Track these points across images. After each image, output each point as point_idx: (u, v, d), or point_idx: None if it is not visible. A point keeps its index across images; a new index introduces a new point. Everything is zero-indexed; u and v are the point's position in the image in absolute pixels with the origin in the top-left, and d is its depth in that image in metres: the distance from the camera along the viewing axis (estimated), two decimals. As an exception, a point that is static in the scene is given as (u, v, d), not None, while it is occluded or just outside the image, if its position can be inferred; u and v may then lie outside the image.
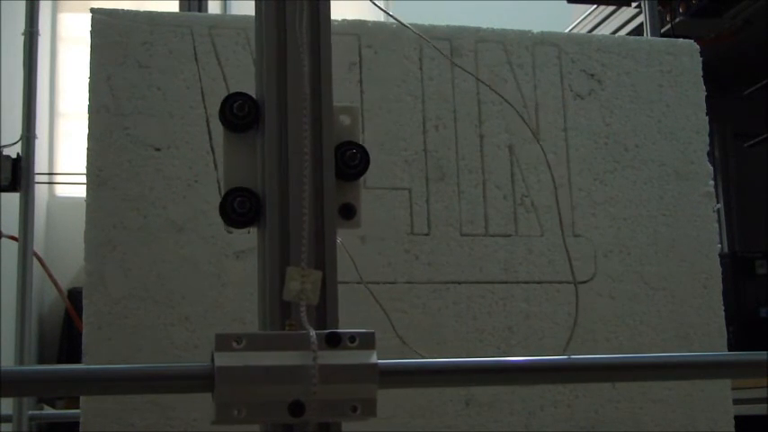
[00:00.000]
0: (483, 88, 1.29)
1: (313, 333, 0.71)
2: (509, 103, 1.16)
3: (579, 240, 1.28)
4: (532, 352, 1.23)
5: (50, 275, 2.33)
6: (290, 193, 0.75)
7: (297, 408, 0.70)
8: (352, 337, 0.73)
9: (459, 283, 1.24)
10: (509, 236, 1.27)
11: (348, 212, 0.79)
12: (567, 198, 1.29)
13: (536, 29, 1.35)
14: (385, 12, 1.09)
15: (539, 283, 1.26)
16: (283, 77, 0.77)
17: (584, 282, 1.28)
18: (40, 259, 2.16)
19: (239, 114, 0.78)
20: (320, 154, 0.76)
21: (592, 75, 1.34)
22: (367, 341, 0.73)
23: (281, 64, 0.77)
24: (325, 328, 0.74)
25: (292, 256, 0.74)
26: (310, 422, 0.70)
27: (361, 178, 0.81)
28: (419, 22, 1.31)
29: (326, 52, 0.79)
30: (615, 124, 1.33)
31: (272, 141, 0.76)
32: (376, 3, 0.98)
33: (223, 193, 0.78)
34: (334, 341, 0.72)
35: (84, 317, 1.14)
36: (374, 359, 0.72)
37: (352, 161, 0.78)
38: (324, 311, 0.75)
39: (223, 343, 0.72)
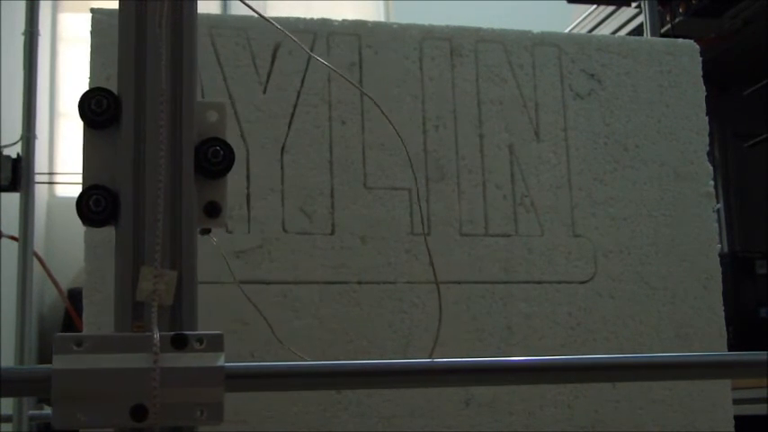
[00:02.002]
0: (483, 88, 1.30)
1: (156, 335, 0.69)
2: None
3: (579, 240, 1.28)
4: (532, 352, 1.23)
5: (50, 275, 2.33)
6: (146, 192, 0.73)
7: (139, 412, 0.68)
8: (200, 339, 0.71)
9: (459, 283, 1.24)
10: (509, 236, 1.27)
11: (213, 211, 0.77)
12: (567, 198, 1.29)
13: (536, 29, 1.35)
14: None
15: (538, 283, 1.26)
16: (142, 73, 0.76)
17: (585, 282, 1.28)
18: (40, 259, 2.16)
19: (97, 110, 0.76)
20: (179, 151, 0.74)
21: (592, 75, 1.34)
22: (215, 343, 0.71)
23: (140, 59, 0.76)
24: (181, 330, 0.72)
25: (147, 256, 0.72)
26: (154, 426, 0.68)
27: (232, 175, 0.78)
28: (419, 22, 1.31)
29: (190, 47, 0.77)
30: (615, 124, 1.33)
31: (128, 138, 0.74)
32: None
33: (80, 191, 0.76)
34: (180, 343, 0.70)
35: (84, 317, 1.14)
36: (220, 362, 0.71)
37: (215, 158, 0.76)
38: (179, 313, 0.73)
39: (62, 345, 0.69)
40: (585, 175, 1.31)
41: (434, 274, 1.01)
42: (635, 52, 1.36)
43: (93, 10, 1.22)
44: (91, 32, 1.21)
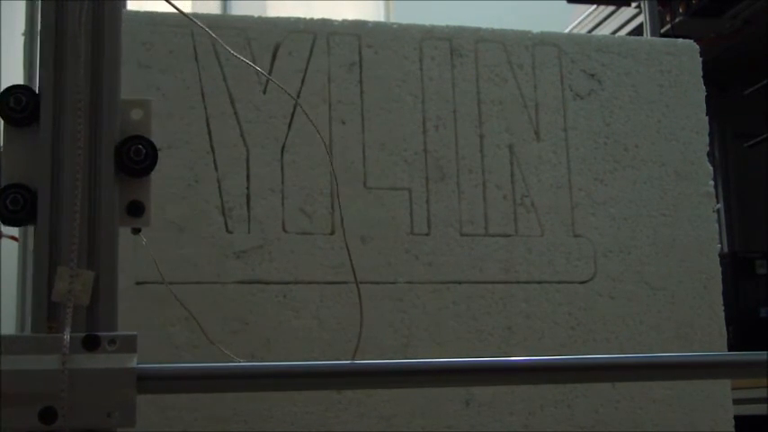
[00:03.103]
0: (483, 88, 1.30)
1: (67, 336, 0.68)
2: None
3: (579, 240, 1.28)
4: (532, 352, 1.23)
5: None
6: (62, 191, 0.72)
7: (48, 414, 0.67)
8: (113, 341, 0.70)
9: (460, 283, 1.24)
10: (509, 236, 1.27)
11: (136, 210, 0.76)
12: (567, 198, 1.29)
13: (536, 29, 1.35)
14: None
15: (538, 283, 1.26)
16: (61, 71, 0.74)
17: (584, 282, 1.28)
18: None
19: (16, 108, 0.74)
20: (98, 149, 0.74)
21: (592, 75, 1.34)
22: (128, 344, 0.70)
23: (60, 56, 0.74)
24: (97, 331, 0.71)
25: (63, 256, 0.71)
26: (63, 429, 0.67)
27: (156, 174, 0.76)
28: (419, 22, 1.31)
29: (112, 45, 0.75)
30: (615, 124, 1.33)
31: (46, 136, 0.74)
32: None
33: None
34: (91, 344, 0.69)
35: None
36: (132, 363, 0.70)
37: (136, 156, 0.75)
38: (96, 313, 0.72)
39: None
40: (585, 175, 1.31)
41: (354, 273, 1.00)
42: (635, 52, 1.36)
43: (93, 10, 1.22)
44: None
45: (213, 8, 3.96)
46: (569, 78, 1.33)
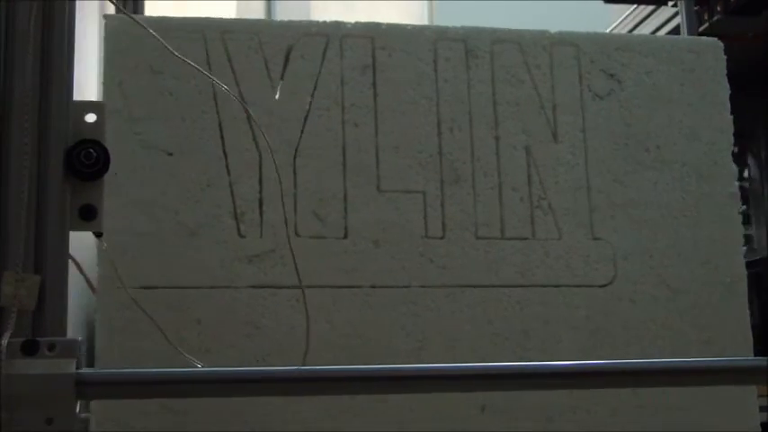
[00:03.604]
0: (499, 89, 1.28)
1: (5, 341, 0.68)
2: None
3: (598, 243, 1.26)
4: (549, 357, 1.21)
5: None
6: (9, 195, 0.72)
7: None
8: (52, 346, 0.69)
9: (474, 286, 1.22)
10: (525, 239, 1.25)
11: (88, 214, 0.76)
12: (585, 200, 1.27)
13: (578, 29, 1.32)
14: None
15: (556, 286, 1.24)
16: (9, 73, 0.74)
17: (604, 285, 1.25)
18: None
19: None
20: (46, 153, 0.73)
21: (611, 74, 1.31)
22: (68, 349, 0.70)
23: (9, 59, 0.74)
24: (44, 336, 0.71)
25: (10, 260, 0.71)
26: None
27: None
28: (463, 22, 1.29)
29: (62, 46, 0.75)
30: (636, 125, 1.30)
31: None
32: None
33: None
34: (30, 350, 0.69)
35: (96, 322, 1.14)
36: (71, 369, 0.69)
37: (87, 160, 0.75)
38: (42, 318, 0.72)
39: None
40: (605, 177, 1.28)
41: (298, 278, 0.99)
42: (656, 51, 1.33)
43: (105, 17, 1.23)
44: (104, 39, 1.21)
45: (258, 8, 3.94)
46: (588, 78, 1.31)
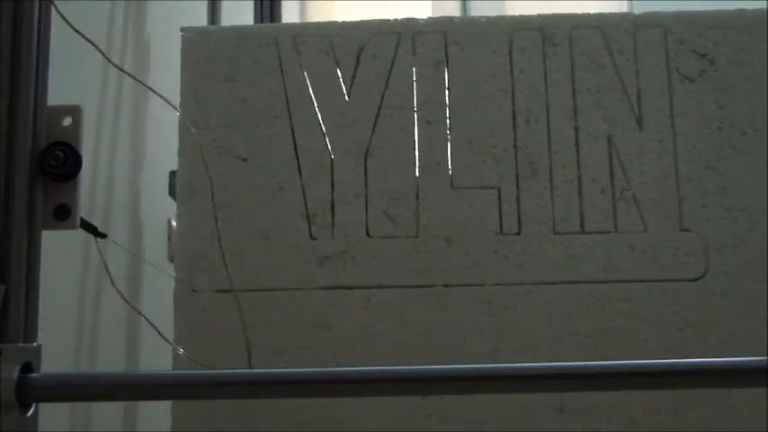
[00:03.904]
0: (578, 77, 1.23)
1: None
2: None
3: (688, 235, 1.19)
4: (633, 356, 1.15)
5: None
6: None
7: None
8: None
9: (553, 283, 1.18)
10: (607, 232, 1.19)
11: (62, 213, 0.78)
12: (673, 190, 1.20)
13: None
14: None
15: (641, 281, 1.18)
16: None
17: (695, 279, 1.18)
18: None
19: None
20: (16, 156, 0.75)
21: (703, 55, 1.23)
22: (13, 355, 0.71)
23: None
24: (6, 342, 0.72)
25: None
26: None
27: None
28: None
29: (28, 51, 0.76)
30: (730, 107, 1.22)
31: None
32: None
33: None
34: None
35: (174, 325, 1.18)
36: (13, 374, 0.71)
37: (55, 161, 0.78)
38: (6, 326, 0.73)
39: None
40: (695, 164, 1.20)
41: (230, 280, 0.96)
42: (753, 26, 1.24)
43: (183, 29, 1.27)
44: (181, 51, 1.25)
45: (453, 8, 3.89)
46: (677, 60, 1.23)
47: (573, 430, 1.15)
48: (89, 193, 1.18)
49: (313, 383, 0.83)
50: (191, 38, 1.25)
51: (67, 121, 0.80)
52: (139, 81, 0.86)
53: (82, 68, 1.19)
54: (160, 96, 0.91)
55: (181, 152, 1.23)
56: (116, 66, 0.84)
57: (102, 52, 0.83)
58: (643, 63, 1.23)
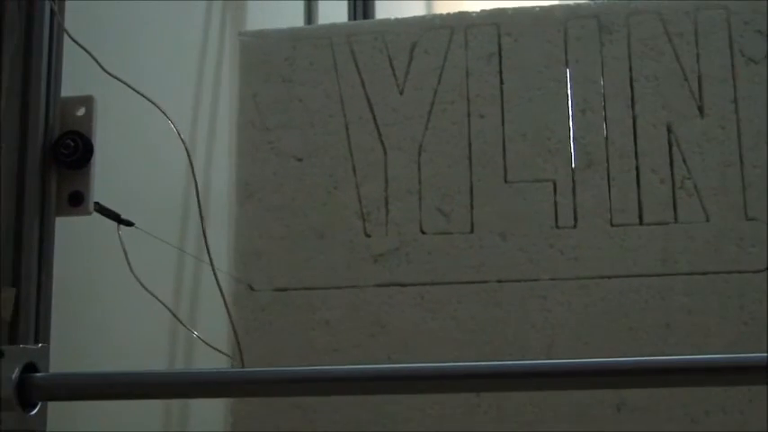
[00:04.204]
0: (636, 65, 1.19)
1: None
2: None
3: (753, 224, 1.14)
4: (696, 351, 1.11)
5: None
6: None
7: None
8: (0, 353, 0.73)
9: (610, 277, 1.15)
10: (667, 223, 1.15)
11: (76, 200, 0.81)
12: (737, 177, 1.15)
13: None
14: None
15: (703, 274, 1.13)
16: None
17: (761, 270, 1.13)
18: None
19: None
20: (29, 145, 0.78)
21: (769, 35, 1.18)
22: (15, 356, 0.73)
23: None
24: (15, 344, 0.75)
25: None
26: None
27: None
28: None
29: (40, 45, 0.79)
30: (799, 88, 1.16)
31: None
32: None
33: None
34: None
35: (233, 323, 1.21)
36: (13, 374, 0.73)
37: (66, 150, 0.81)
38: (17, 327, 0.76)
39: None
40: (761, 150, 1.15)
41: (214, 274, 0.95)
42: (824, 2, 1.17)
43: (240, 33, 1.29)
44: (240, 54, 1.28)
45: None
46: (740, 42, 1.18)
47: (631, 429, 1.12)
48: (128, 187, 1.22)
49: (364, 381, 0.84)
50: (248, 42, 1.27)
51: (81, 111, 0.83)
52: (133, 89, 0.88)
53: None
54: (154, 104, 0.93)
55: (238, 153, 1.25)
56: (110, 73, 0.87)
57: (94, 58, 0.85)
58: (704, 47, 1.18)
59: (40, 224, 0.79)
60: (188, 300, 1.31)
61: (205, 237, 1.14)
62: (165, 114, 0.91)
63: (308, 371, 0.85)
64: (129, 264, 0.88)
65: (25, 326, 0.77)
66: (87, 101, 0.84)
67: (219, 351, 1.09)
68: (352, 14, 2.24)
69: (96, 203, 0.85)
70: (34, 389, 0.75)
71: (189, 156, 1.00)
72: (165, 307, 0.98)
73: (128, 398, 0.86)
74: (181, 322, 1.06)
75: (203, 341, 1.04)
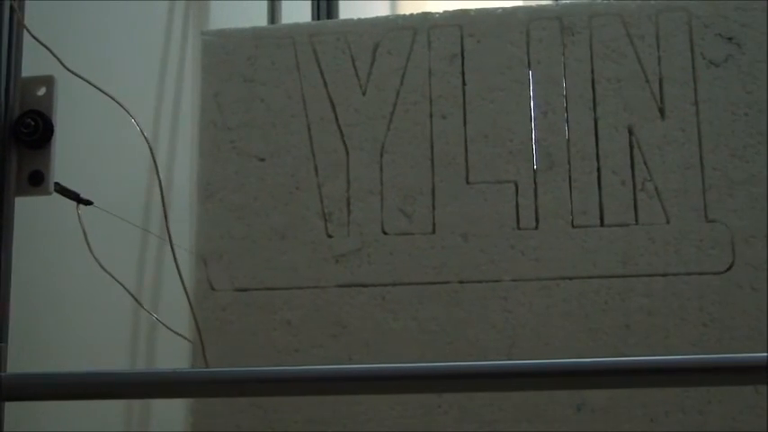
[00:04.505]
0: (598, 67, 1.19)
1: None
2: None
3: (713, 226, 1.14)
4: (655, 352, 1.11)
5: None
6: None
7: None
8: None
9: (571, 278, 1.15)
10: (628, 225, 1.15)
11: (36, 179, 0.81)
12: (697, 179, 1.15)
13: None
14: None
15: (663, 275, 1.14)
16: None
17: (721, 272, 1.13)
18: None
19: None
20: None
21: (729, 38, 1.18)
22: None
23: None
24: None
25: None
26: None
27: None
28: None
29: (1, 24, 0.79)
30: (758, 91, 1.16)
31: None
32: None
33: None
34: None
35: (194, 324, 1.20)
36: None
37: (26, 129, 0.81)
38: None
39: None
40: (721, 152, 1.16)
41: (179, 272, 0.96)
42: (783, 6, 1.18)
43: (203, 32, 1.29)
44: (202, 53, 1.27)
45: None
46: (701, 45, 1.19)
47: (591, 429, 1.12)
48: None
49: (325, 381, 0.84)
50: (210, 41, 1.27)
51: (42, 91, 0.83)
52: (97, 87, 0.88)
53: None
54: (119, 104, 0.93)
55: (200, 153, 1.24)
56: (70, 70, 0.86)
57: (53, 53, 0.84)
58: (665, 49, 1.19)
59: (1, 203, 0.78)
60: (149, 300, 1.30)
61: (170, 236, 1.13)
62: (131, 115, 0.90)
63: (270, 371, 0.85)
64: (88, 245, 0.87)
65: None
66: (48, 81, 0.83)
67: (181, 335, 1.08)
68: (316, 14, 2.23)
69: (56, 183, 0.84)
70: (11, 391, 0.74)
71: (153, 155, 0.99)
72: (126, 290, 0.97)
73: (90, 398, 0.85)
74: (140, 304, 1.05)
75: (165, 326, 1.03)
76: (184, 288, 1.13)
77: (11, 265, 0.79)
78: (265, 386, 0.85)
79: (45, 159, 0.82)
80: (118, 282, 0.94)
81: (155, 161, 1.07)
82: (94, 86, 0.91)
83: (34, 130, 0.81)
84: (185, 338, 1.14)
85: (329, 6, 2.20)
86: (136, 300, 1.06)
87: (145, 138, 1.00)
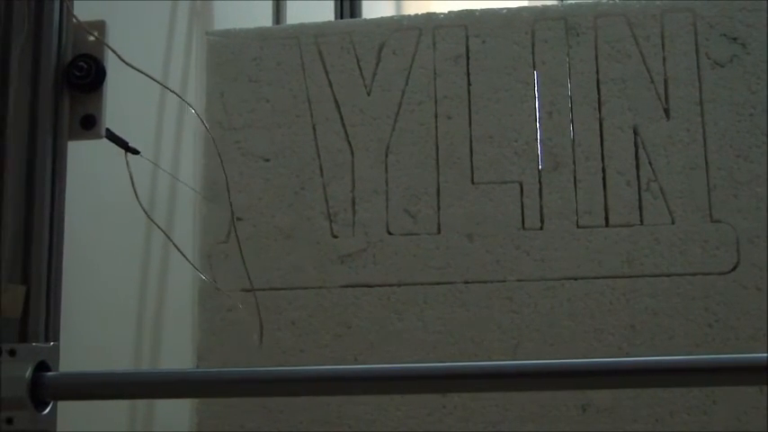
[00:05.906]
0: (603, 67, 1.19)
1: None
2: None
3: (718, 226, 1.14)
4: (660, 352, 1.11)
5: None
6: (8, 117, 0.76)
7: None
8: (12, 351, 0.73)
9: (576, 279, 1.15)
10: (633, 225, 1.15)
11: (88, 123, 0.81)
12: (702, 180, 1.15)
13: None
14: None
15: (668, 275, 1.14)
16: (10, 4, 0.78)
17: (725, 273, 1.13)
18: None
19: None
20: (41, 68, 0.78)
21: (734, 38, 1.18)
22: (28, 354, 0.73)
23: None
24: (28, 341, 0.75)
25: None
26: None
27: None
28: None
29: None
30: (763, 92, 1.16)
31: None
32: None
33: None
34: None
35: (198, 323, 1.20)
36: (26, 372, 0.72)
37: (79, 72, 0.80)
38: (26, 325, 0.75)
39: None
40: (726, 153, 1.16)
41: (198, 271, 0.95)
42: (788, 7, 1.18)
43: (208, 33, 1.29)
44: (207, 53, 1.27)
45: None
46: (706, 45, 1.19)
47: (596, 430, 1.12)
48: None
49: (330, 382, 0.84)
50: (215, 41, 1.27)
51: (93, 36, 0.83)
52: (159, 82, 0.87)
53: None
54: (181, 98, 0.93)
55: (205, 154, 1.25)
56: (116, 53, 0.86)
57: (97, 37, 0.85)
58: (670, 49, 1.19)
59: (53, 147, 0.78)
60: (153, 303, 1.30)
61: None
62: (194, 110, 0.89)
63: (275, 371, 0.85)
64: (135, 192, 0.87)
65: (35, 323, 0.77)
66: (99, 26, 0.83)
67: (195, 268, 1.08)
68: (339, 14, 2.23)
69: (107, 129, 0.84)
70: (46, 388, 0.74)
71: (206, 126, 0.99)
72: (157, 225, 0.97)
73: (141, 397, 0.85)
74: (157, 226, 1.03)
75: (182, 254, 1.02)
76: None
77: (63, 217, 0.79)
78: (270, 386, 0.85)
79: (97, 103, 0.81)
80: (153, 222, 0.93)
81: (212, 139, 1.06)
82: (143, 72, 0.90)
83: (87, 73, 0.80)
84: (197, 270, 1.13)
85: (352, 6, 2.20)
86: (151, 220, 1.05)
87: (202, 121, 0.98)
